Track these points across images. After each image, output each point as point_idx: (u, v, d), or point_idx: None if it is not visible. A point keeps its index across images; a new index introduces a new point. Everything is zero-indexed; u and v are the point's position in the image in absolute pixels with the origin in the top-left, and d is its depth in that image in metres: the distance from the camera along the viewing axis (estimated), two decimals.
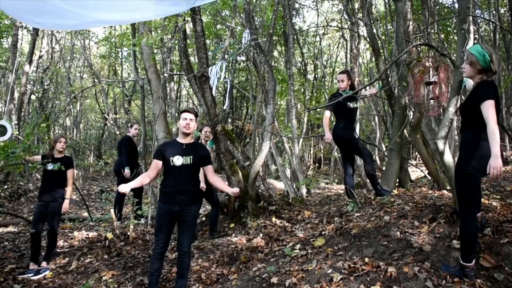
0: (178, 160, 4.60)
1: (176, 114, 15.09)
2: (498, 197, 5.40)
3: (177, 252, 4.84)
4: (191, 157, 4.65)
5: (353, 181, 6.54)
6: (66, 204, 6.21)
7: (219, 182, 4.94)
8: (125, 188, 4.46)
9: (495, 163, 3.27)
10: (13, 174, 13.08)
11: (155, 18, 9.48)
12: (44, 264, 5.98)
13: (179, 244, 4.71)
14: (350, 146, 6.30)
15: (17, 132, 10.57)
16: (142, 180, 4.80)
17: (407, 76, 6.28)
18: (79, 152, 19.62)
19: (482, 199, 5.18)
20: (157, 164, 4.70)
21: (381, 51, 9.66)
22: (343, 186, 14.48)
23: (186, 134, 4.73)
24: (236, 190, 4.71)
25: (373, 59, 12.70)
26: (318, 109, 15.84)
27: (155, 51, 11.36)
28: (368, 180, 8.33)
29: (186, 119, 4.69)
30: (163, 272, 5.41)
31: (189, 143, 4.76)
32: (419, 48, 8.55)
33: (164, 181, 4.74)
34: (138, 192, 8.56)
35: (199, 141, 7.35)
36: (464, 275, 3.46)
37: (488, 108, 3.38)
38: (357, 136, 6.90)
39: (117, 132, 19.83)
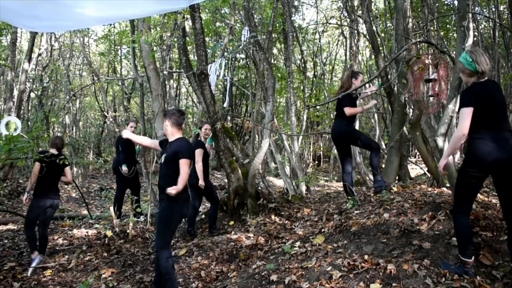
0: (162, 158, 4.74)
1: None
2: None
3: None
4: (165, 155, 4.70)
5: (352, 178, 6.52)
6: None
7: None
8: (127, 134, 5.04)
9: (439, 164, 3.90)
10: (12, 172, 13.06)
11: (154, 15, 9.43)
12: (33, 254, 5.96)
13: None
14: (359, 141, 6.24)
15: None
16: (142, 139, 5.43)
17: (407, 73, 6.29)
18: (78, 150, 19.59)
19: (482, 197, 5.19)
20: (156, 144, 5.04)
21: (380, 48, 9.65)
22: (342, 184, 14.47)
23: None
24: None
25: (373, 56, 12.70)
26: (317, 107, 15.83)
27: (154, 48, 11.34)
28: (367, 177, 8.33)
29: None
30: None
31: (171, 141, 4.77)
32: (418, 46, 8.54)
33: None
34: (136, 190, 8.56)
35: (199, 138, 7.38)
36: (464, 271, 3.47)
37: (461, 116, 3.57)
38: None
39: (117, 130, 19.76)
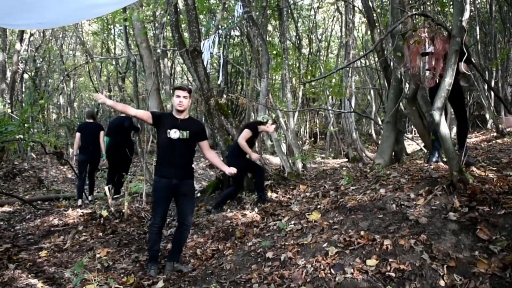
0: (175, 134, 4.61)
1: (171, 91, 14.98)
2: (495, 169, 5.37)
3: (179, 225, 4.87)
4: (188, 132, 4.66)
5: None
6: None
7: (215, 158, 5.06)
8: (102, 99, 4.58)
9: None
10: (7, 154, 13.00)
11: None
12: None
13: (184, 218, 4.77)
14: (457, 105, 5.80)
15: (10, 111, 10.43)
16: (125, 107, 4.84)
17: (403, 47, 6.18)
18: (73, 131, 19.48)
19: (478, 171, 5.16)
20: (149, 115, 4.70)
21: (376, 24, 9.52)
22: (339, 160, 14.45)
23: (180, 111, 4.70)
24: (233, 170, 4.78)
25: (369, 32, 12.56)
26: (313, 83, 15.72)
27: (146, 26, 11.17)
28: (363, 154, 8.18)
29: (179, 96, 4.68)
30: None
31: (184, 119, 4.75)
32: (415, 19, 8.42)
33: (160, 155, 4.75)
34: (123, 167, 8.55)
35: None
36: None
37: None
38: None
39: (112, 110, 19.69)
